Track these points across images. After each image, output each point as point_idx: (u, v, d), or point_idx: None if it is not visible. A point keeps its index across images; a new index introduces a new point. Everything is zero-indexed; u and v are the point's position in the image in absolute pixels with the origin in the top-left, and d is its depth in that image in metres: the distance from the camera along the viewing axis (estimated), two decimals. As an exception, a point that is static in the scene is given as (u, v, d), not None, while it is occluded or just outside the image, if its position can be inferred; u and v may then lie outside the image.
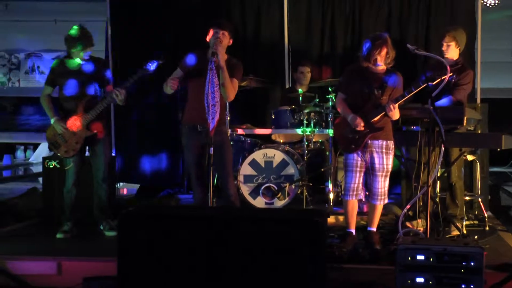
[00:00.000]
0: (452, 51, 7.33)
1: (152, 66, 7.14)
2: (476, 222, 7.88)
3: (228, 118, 8.27)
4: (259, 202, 8.30)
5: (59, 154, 7.51)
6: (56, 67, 7.53)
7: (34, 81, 19.38)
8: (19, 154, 21.30)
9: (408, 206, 6.66)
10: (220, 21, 6.86)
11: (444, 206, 7.39)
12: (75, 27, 7.45)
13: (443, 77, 6.29)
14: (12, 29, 18.38)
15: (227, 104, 7.55)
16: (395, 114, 6.51)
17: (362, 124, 6.58)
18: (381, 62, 6.63)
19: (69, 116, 7.37)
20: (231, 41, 6.81)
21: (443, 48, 7.33)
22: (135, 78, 7.23)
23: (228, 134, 7.24)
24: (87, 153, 7.69)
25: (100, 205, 7.63)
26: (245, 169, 8.33)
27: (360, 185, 6.78)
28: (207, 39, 6.74)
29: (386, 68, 6.74)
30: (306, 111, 8.49)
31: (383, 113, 6.51)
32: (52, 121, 7.42)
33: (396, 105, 6.44)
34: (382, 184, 6.70)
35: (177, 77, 6.71)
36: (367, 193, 6.93)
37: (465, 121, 6.73)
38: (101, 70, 7.55)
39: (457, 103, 7.18)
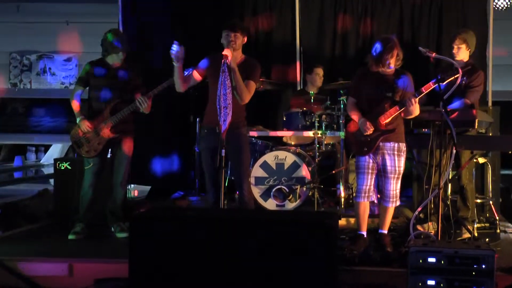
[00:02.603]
0: (462, 53, 7.35)
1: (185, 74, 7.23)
2: (487, 224, 7.87)
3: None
4: (270, 204, 8.29)
5: (81, 154, 7.53)
6: (90, 69, 7.57)
7: (46, 83, 19.39)
8: (31, 155, 21.37)
9: (419, 209, 6.67)
10: (231, 23, 6.86)
11: (455, 209, 7.39)
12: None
13: (454, 77, 6.32)
14: (23, 30, 18.39)
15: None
16: (416, 109, 6.52)
17: (372, 129, 6.58)
18: (393, 64, 6.63)
19: (95, 117, 7.43)
20: (245, 39, 6.83)
21: (453, 51, 7.34)
22: (164, 86, 7.29)
23: (247, 136, 7.20)
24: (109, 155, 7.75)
25: (114, 208, 7.65)
26: (257, 171, 8.32)
27: (372, 187, 6.78)
28: (222, 41, 6.77)
29: (395, 69, 6.74)
30: (317, 113, 8.48)
31: (404, 108, 6.50)
32: (78, 120, 7.46)
33: (417, 99, 6.45)
34: (394, 186, 6.69)
35: (188, 75, 6.80)
36: (378, 195, 6.92)
37: (476, 124, 6.74)
38: (134, 77, 7.59)
39: (470, 105, 7.18)
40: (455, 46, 7.34)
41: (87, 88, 7.58)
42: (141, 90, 7.45)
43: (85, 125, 7.37)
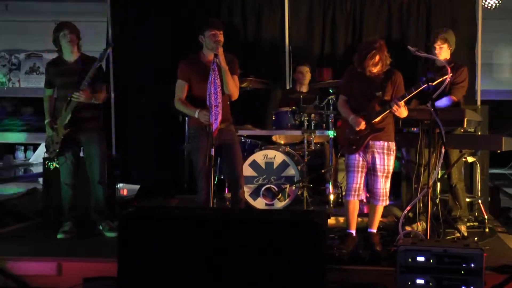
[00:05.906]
0: (444, 53, 7.39)
1: (104, 55, 7.20)
2: (476, 223, 7.87)
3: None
4: (260, 203, 8.30)
5: (48, 156, 7.54)
6: (50, 69, 7.56)
7: (34, 82, 19.33)
8: (19, 154, 21.27)
9: (408, 208, 6.66)
10: (215, 22, 6.82)
11: (447, 208, 7.42)
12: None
13: (443, 77, 6.32)
14: (12, 29, 18.33)
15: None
16: (402, 112, 6.50)
17: (363, 123, 6.57)
18: (375, 69, 6.60)
19: (58, 116, 7.41)
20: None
21: (436, 51, 7.36)
22: (90, 74, 7.18)
23: (236, 134, 7.18)
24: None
25: (97, 206, 7.63)
26: (246, 170, 8.26)
27: (362, 185, 6.76)
28: (201, 39, 6.75)
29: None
30: (306, 112, 8.47)
31: (388, 111, 6.50)
32: (45, 122, 7.48)
33: (402, 102, 6.43)
34: (383, 185, 6.69)
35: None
36: (367, 194, 6.92)
37: (465, 123, 6.74)
38: (91, 70, 7.42)
39: (457, 102, 7.22)
40: (437, 46, 7.38)
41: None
42: (99, 84, 7.47)
43: (48, 127, 7.38)
